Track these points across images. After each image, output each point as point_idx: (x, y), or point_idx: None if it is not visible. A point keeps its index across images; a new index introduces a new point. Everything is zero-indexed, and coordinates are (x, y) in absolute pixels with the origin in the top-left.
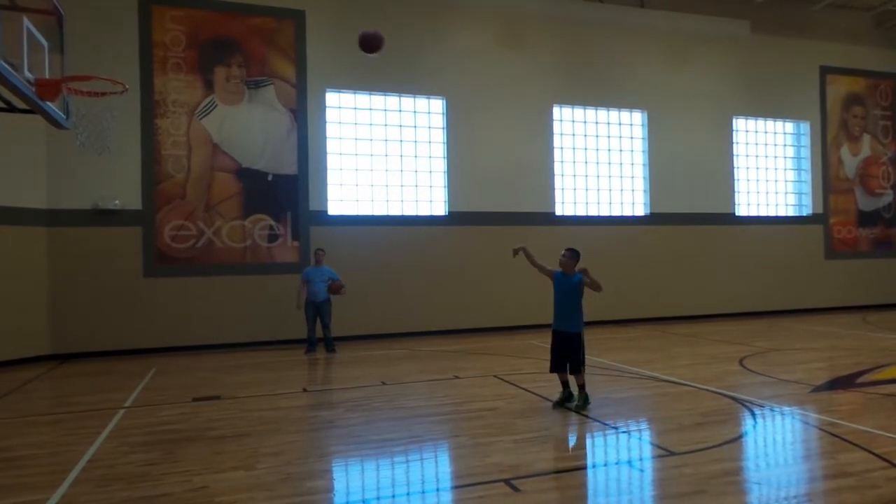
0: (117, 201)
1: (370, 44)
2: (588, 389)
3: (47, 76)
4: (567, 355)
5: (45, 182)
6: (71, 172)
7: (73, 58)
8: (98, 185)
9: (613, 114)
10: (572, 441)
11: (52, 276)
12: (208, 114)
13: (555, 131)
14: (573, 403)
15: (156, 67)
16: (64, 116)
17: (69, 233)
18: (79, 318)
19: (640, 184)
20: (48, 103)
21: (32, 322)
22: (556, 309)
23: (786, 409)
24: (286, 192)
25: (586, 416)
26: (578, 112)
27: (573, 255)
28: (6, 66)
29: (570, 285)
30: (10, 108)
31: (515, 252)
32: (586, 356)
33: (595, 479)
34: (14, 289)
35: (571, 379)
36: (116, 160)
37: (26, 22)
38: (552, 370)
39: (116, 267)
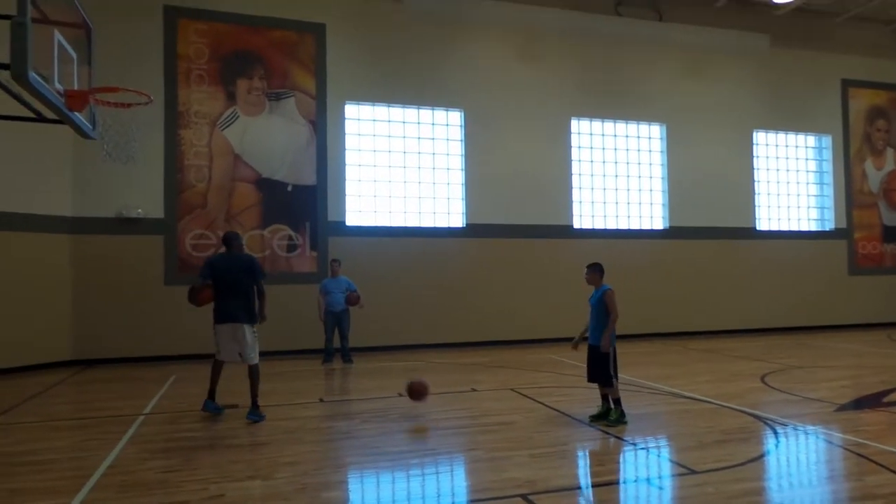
0: (140, 210)
1: (418, 393)
2: (623, 406)
3: (76, 87)
4: (595, 368)
5: (70, 190)
6: (96, 181)
7: (100, 69)
8: (122, 194)
9: (632, 127)
10: (590, 457)
11: (76, 283)
12: (230, 125)
13: (573, 144)
14: (608, 419)
15: (180, 79)
16: (90, 126)
17: (93, 240)
18: (101, 325)
19: (658, 197)
20: (76, 113)
21: (56, 328)
22: (590, 323)
23: (809, 428)
24: (305, 203)
25: (605, 433)
26: (597, 125)
27: (594, 269)
28: (37, 77)
29: (596, 299)
30: (40, 118)
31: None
32: (618, 372)
33: (613, 496)
34: (39, 295)
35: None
36: (140, 170)
37: (57, 35)
38: (587, 380)
39: (138, 274)
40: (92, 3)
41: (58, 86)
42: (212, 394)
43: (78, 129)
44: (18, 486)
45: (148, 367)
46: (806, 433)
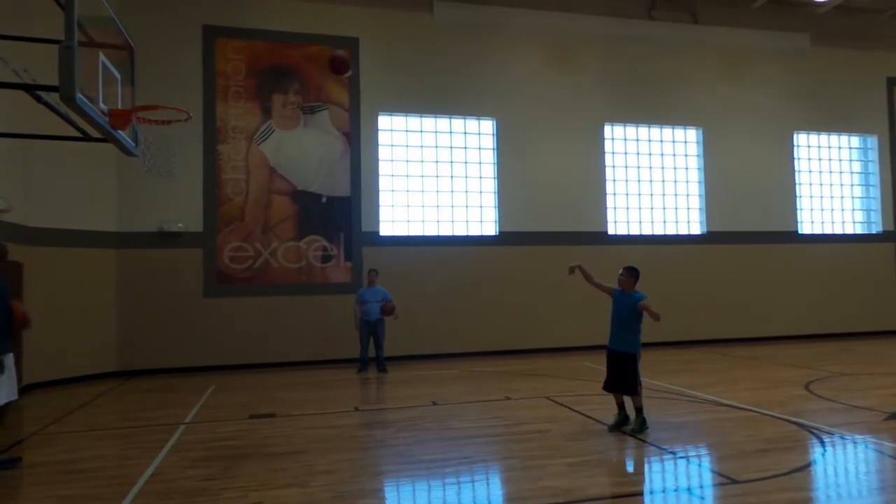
0: (180, 224)
1: (338, 66)
2: (644, 413)
3: (119, 106)
4: (620, 376)
5: (115, 206)
6: (138, 197)
7: (141, 88)
8: (163, 209)
9: (667, 131)
10: (628, 466)
11: (120, 296)
12: (266, 139)
13: (606, 150)
14: (629, 427)
15: (218, 96)
16: (133, 144)
17: (136, 254)
18: (144, 337)
19: (695, 202)
20: (120, 132)
21: (102, 340)
22: (612, 327)
23: (857, 437)
24: (339, 214)
25: (642, 441)
26: (631, 130)
27: (631, 273)
28: (84, 98)
29: (626, 304)
30: (86, 137)
31: (571, 270)
32: (641, 379)
33: None
34: (86, 308)
35: (627, 401)
36: (180, 185)
37: (102, 57)
38: (605, 389)
39: (179, 287)
40: (134, 24)
41: (102, 106)
42: None
43: (121, 146)
44: (66, 492)
45: (188, 377)
46: (854, 442)
